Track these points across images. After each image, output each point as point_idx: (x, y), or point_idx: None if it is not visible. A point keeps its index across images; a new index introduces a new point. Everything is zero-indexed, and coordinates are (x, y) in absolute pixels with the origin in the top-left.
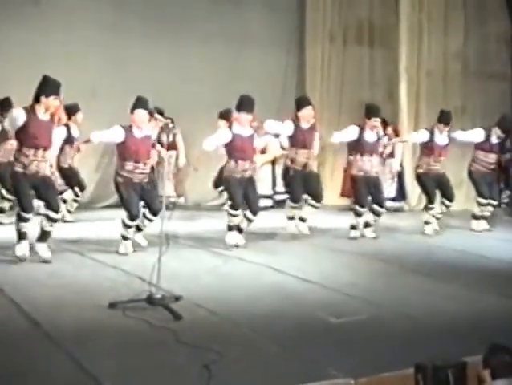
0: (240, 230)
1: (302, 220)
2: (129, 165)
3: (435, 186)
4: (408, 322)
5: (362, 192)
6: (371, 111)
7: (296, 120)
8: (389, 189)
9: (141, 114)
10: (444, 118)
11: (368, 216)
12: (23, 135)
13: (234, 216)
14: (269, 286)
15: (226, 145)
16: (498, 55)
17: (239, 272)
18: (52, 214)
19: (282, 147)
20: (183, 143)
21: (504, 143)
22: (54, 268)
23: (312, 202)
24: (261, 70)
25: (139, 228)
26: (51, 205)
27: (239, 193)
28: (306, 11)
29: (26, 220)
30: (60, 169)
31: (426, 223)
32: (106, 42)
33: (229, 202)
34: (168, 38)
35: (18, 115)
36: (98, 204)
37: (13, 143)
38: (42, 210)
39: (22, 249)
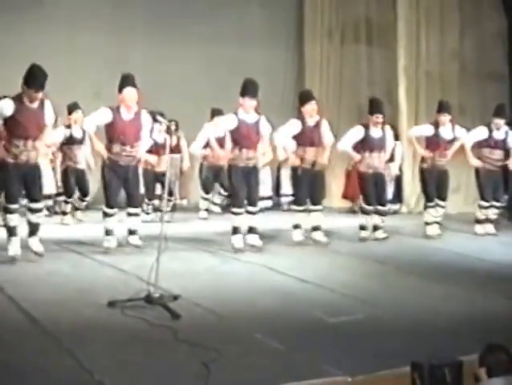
0: (253, 230)
1: (316, 228)
2: (116, 147)
3: (435, 185)
4: (404, 322)
5: (370, 190)
6: (373, 107)
7: (300, 116)
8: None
9: (130, 92)
10: (443, 108)
11: (375, 219)
12: (12, 126)
13: (237, 214)
14: (266, 286)
15: (231, 132)
16: (495, 54)
17: (237, 272)
18: (34, 205)
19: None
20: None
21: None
22: (54, 267)
23: (315, 207)
24: (260, 69)
25: (131, 232)
26: (33, 195)
27: (242, 189)
28: (305, 9)
29: (12, 211)
30: (64, 170)
31: (427, 224)
32: (108, 44)
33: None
34: (168, 37)
35: (6, 105)
36: (100, 206)
37: None
38: (24, 202)
39: (14, 249)
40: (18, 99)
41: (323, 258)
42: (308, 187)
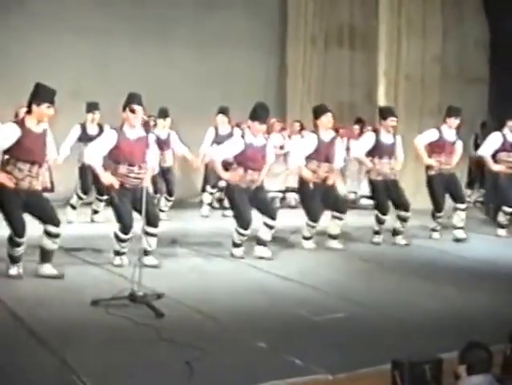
0: (264, 244)
1: (334, 237)
2: (122, 168)
3: (444, 191)
4: (386, 320)
5: (382, 198)
6: (387, 112)
7: (316, 130)
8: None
9: (136, 111)
10: (453, 111)
11: (396, 224)
12: (17, 150)
13: (243, 235)
14: (251, 284)
15: (237, 154)
16: (476, 59)
17: (221, 270)
18: (53, 229)
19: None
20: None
21: (477, 141)
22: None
23: (337, 214)
24: (243, 71)
25: (146, 253)
26: (52, 220)
27: (247, 209)
28: (288, 14)
29: (19, 244)
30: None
31: (433, 230)
32: (92, 44)
33: (235, 220)
34: (152, 40)
35: (11, 132)
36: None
37: None
38: (42, 227)
39: (16, 269)
40: (21, 124)
41: (308, 257)
42: (323, 201)
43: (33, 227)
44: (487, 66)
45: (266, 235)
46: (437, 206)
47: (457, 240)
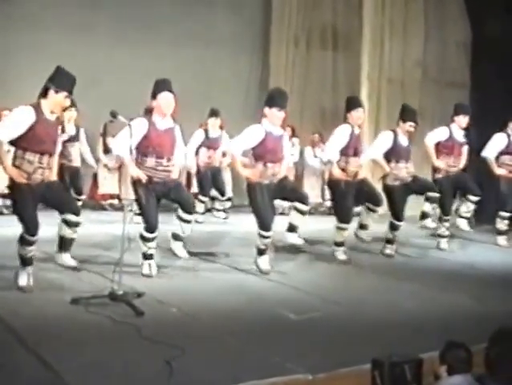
0: (295, 230)
1: (364, 227)
2: (150, 161)
3: (453, 191)
4: (365, 320)
5: (399, 204)
6: (408, 115)
7: (348, 123)
8: None
9: (167, 98)
10: (461, 108)
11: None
12: (28, 139)
13: (265, 237)
14: (230, 284)
15: (255, 146)
16: (458, 62)
17: (201, 269)
18: (73, 217)
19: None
20: None
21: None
22: (17, 264)
23: (372, 206)
24: (225, 70)
25: (177, 238)
26: (71, 208)
27: (268, 211)
28: (272, 14)
29: (31, 243)
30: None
31: (440, 236)
32: (74, 43)
33: (256, 222)
34: (135, 39)
35: (25, 116)
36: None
37: None
38: (60, 216)
39: (26, 278)
40: (37, 108)
41: (287, 257)
42: (357, 196)
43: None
44: (469, 70)
45: (297, 220)
46: (444, 210)
47: (459, 228)
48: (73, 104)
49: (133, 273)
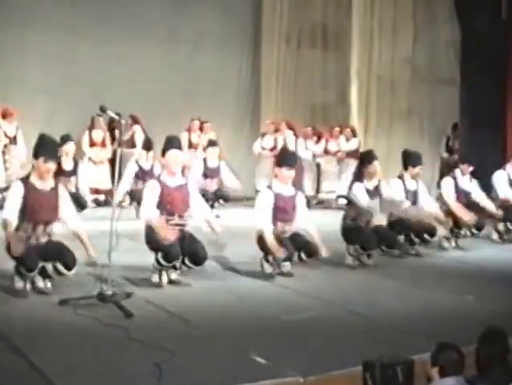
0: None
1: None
2: (161, 218)
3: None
4: (356, 321)
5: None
6: (415, 160)
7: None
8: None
9: (175, 155)
10: (466, 159)
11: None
12: (22, 210)
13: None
14: (220, 284)
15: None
16: (447, 61)
17: (190, 270)
18: (63, 270)
19: None
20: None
21: (448, 143)
22: (4, 266)
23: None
24: (216, 71)
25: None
26: (65, 262)
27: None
28: (263, 13)
29: (27, 278)
30: None
31: (445, 238)
32: (58, 42)
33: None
34: (123, 39)
35: (17, 190)
36: None
37: None
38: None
39: (23, 282)
40: (26, 181)
41: None
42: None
43: None
44: (458, 68)
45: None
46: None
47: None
48: (70, 138)
49: (122, 273)
